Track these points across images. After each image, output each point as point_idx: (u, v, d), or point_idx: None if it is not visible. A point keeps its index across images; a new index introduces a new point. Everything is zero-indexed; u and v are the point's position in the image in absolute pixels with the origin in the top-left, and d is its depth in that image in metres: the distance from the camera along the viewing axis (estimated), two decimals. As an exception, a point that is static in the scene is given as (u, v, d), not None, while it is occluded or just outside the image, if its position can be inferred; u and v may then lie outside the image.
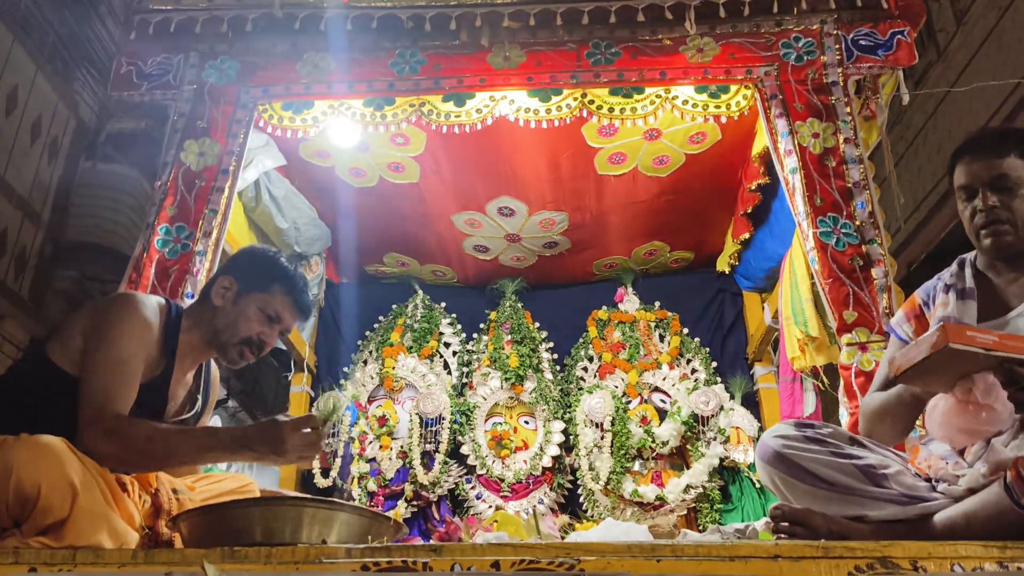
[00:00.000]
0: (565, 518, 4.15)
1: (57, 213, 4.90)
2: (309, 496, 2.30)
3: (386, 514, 1.82)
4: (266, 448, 1.84)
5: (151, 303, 2.06)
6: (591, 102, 3.28)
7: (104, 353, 1.89)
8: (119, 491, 1.86)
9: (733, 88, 3.25)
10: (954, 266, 1.96)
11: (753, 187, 3.84)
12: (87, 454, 1.70)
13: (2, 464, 1.55)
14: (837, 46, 3.15)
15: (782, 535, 1.69)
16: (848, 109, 3.05)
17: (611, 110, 3.28)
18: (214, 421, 7.77)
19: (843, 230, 2.84)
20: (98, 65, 4.99)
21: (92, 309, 2.01)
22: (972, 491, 1.61)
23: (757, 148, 3.66)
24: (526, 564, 1.43)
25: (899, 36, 3.14)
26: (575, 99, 3.28)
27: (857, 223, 2.85)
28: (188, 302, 2.91)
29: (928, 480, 1.77)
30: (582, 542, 1.48)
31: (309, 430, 1.87)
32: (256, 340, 2.14)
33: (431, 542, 2.21)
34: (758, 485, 4.12)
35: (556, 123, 3.32)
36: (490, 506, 4.20)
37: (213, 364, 2.33)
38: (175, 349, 2.08)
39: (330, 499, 1.99)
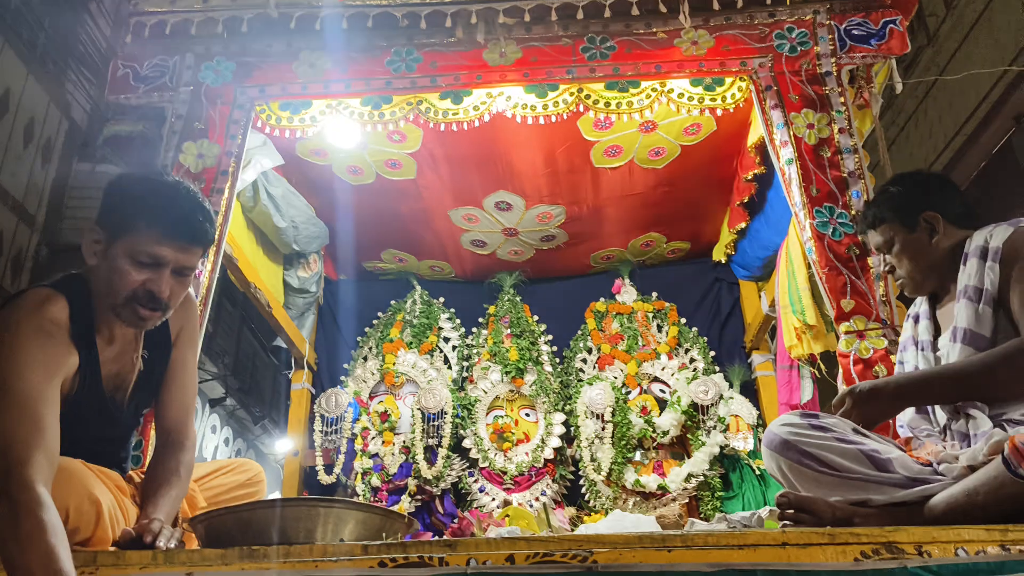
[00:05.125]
0: (573, 510, 4.19)
1: (52, 215, 4.89)
2: (324, 497, 2.32)
3: (399, 511, 1.84)
4: None
5: (49, 308, 1.76)
6: (587, 97, 3.29)
7: (9, 401, 1.60)
8: (127, 500, 1.88)
9: (728, 80, 3.26)
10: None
11: (749, 177, 3.87)
12: None
13: None
14: (830, 36, 3.16)
15: (788, 522, 1.72)
16: (842, 99, 3.07)
17: (607, 104, 3.30)
18: (213, 419, 7.73)
19: (839, 220, 2.87)
20: (90, 66, 4.97)
21: None
22: (972, 469, 1.65)
23: (752, 138, 3.68)
24: (540, 557, 1.46)
25: (891, 25, 3.15)
26: (571, 94, 3.29)
27: (853, 212, 2.87)
28: None
29: (929, 465, 1.81)
30: (594, 534, 1.51)
31: None
32: (143, 293, 1.82)
33: (445, 538, 2.23)
34: (758, 472, 4.17)
35: (552, 118, 3.34)
36: (493, 499, 4.23)
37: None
38: (92, 333, 1.85)
39: (344, 499, 2.01)
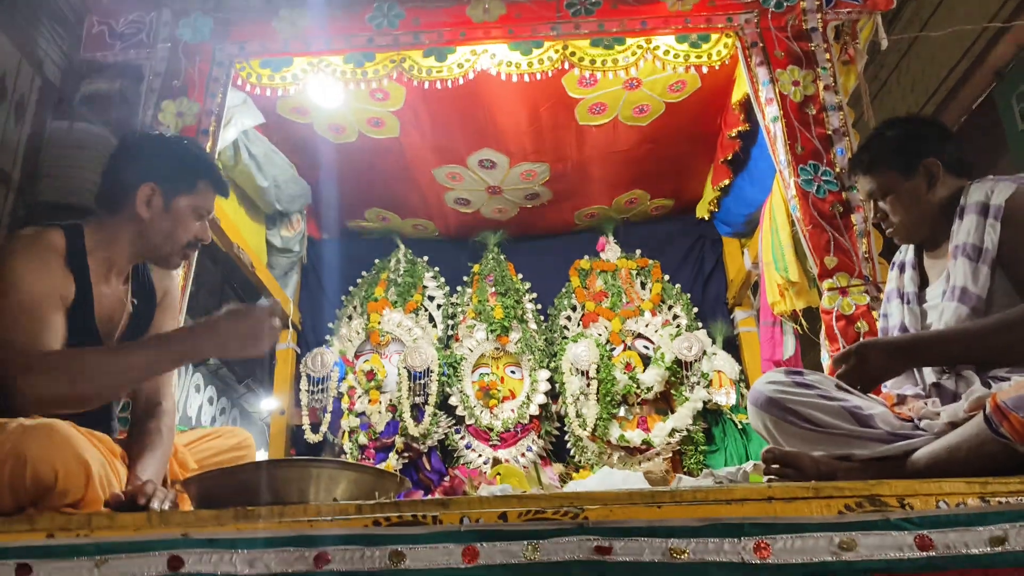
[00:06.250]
0: (561, 467, 4.25)
1: (28, 175, 4.80)
2: (316, 457, 2.33)
3: (391, 471, 1.86)
4: (239, 343, 1.80)
5: (46, 234, 1.92)
6: (572, 54, 3.26)
7: (12, 301, 1.79)
8: (118, 461, 1.88)
9: (714, 37, 3.24)
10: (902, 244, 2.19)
11: (733, 134, 3.86)
12: (32, 404, 1.67)
13: (15, 453, 1.54)
14: (816, -9, 3.15)
15: (774, 477, 1.75)
16: (827, 56, 3.06)
17: (592, 62, 3.27)
18: (196, 378, 7.74)
19: (823, 177, 2.89)
20: (63, 22, 4.84)
21: None
22: (953, 425, 1.69)
23: (737, 95, 3.67)
24: (532, 515, 1.48)
25: (877, -20, 3.14)
26: (556, 51, 3.26)
27: (837, 170, 2.89)
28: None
29: (910, 420, 1.85)
30: (585, 492, 1.54)
31: (273, 319, 1.85)
32: (194, 241, 2.11)
33: (439, 496, 2.26)
34: (740, 426, 4.24)
35: (537, 76, 3.31)
36: (480, 455, 4.28)
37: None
38: (86, 272, 1.97)
39: (336, 459, 2.03)
